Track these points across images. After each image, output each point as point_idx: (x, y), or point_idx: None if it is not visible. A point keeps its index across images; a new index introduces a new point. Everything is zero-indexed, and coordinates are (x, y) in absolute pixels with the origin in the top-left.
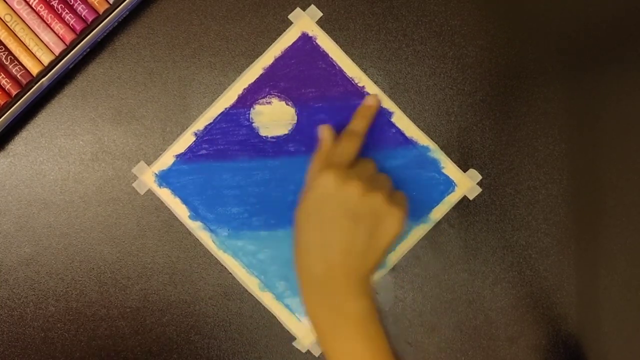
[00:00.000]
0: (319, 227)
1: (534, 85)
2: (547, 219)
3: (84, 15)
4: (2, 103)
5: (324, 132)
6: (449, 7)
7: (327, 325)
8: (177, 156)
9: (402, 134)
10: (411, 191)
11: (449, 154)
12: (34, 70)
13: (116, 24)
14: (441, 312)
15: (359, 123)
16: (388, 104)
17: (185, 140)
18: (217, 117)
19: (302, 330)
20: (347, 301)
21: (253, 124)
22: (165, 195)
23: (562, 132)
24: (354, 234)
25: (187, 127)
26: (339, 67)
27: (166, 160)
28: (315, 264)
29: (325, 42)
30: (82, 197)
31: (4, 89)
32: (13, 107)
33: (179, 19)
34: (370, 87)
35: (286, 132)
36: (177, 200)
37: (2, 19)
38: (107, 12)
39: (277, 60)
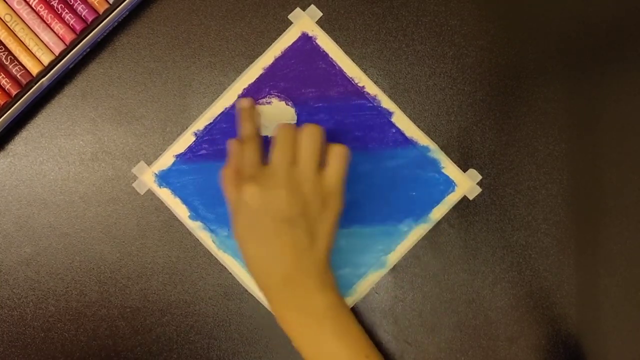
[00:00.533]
0: (260, 242)
1: (534, 85)
2: (547, 219)
3: (84, 15)
4: (2, 103)
5: (232, 146)
6: (449, 7)
7: (298, 327)
8: (177, 156)
9: (402, 134)
10: (411, 191)
11: (449, 154)
12: (34, 70)
13: (116, 24)
14: (441, 312)
15: (247, 126)
16: (388, 104)
17: (185, 140)
18: (217, 117)
19: None
20: (311, 298)
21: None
22: (165, 195)
23: (562, 132)
24: (294, 236)
25: (187, 127)
26: (339, 67)
27: (166, 160)
28: (270, 276)
29: (325, 42)
30: (82, 197)
31: (4, 89)
32: (13, 107)
33: (179, 19)
34: (370, 87)
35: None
36: (177, 200)
37: (2, 19)
38: (107, 12)
39: (277, 60)
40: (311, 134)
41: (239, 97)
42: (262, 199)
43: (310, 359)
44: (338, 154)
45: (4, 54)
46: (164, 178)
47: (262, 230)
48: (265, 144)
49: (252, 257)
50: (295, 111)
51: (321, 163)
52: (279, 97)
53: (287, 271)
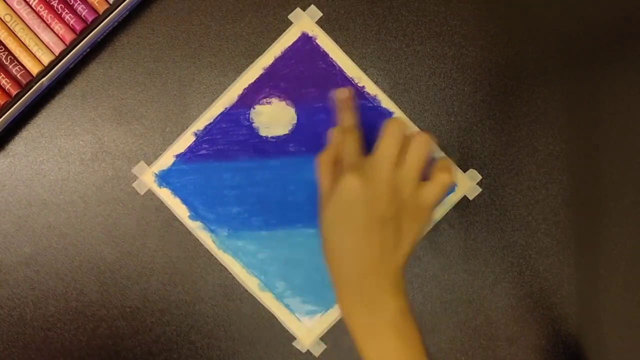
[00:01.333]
0: (349, 232)
1: (534, 85)
2: (547, 219)
3: (84, 15)
4: (2, 103)
5: (333, 132)
6: (449, 7)
7: (363, 325)
8: (177, 156)
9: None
10: None
11: (449, 154)
12: (34, 70)
13: (116, 24)
14: (441, 312)
15: (347, 117)
16: (388, 104)
17: (185, 140)
18: (217, 117)
19: (302, 330)
20: (382, 300)
21: (253, 124)
22: (165, 195)
23: (562, 132)
24: (383, 236)
25: (187, 127)
26: (339, 67)
27: (166, 160)
28: (348, 268)
29: (325, 42)
30: (82, 197)
31: (4, 89)
32: (13, 107)
33: (179, 19)
34: (370, 87)
35: (286, 132)
36: (177, 200)
37: (2, 19)
38: (107, 12)
39: (277, 60)
40: (424, 144)
41: (239, 97)
42: (362, 191)
43: (368, 356)
44: (443, 182)
45: (4, 54)
46: (164, 178)
47: (353, 222)
48: (266, 144)
49: (335, 246)
50: (295, 111)
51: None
52: (279, 97)
53: (367, 268)
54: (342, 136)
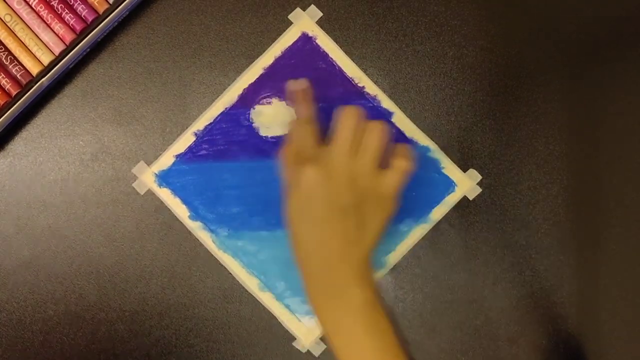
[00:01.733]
0: (312, 224)
1: (534, 85)
2: (547, 219)
3: (84, 15)
4: (2, 103)
5: (292, 125)
6: (449, 7)
7: (331, 319)
8: (177, 156)
9: (402, 134)
10: (411, 191)
11: (449, 154)
12: (34, 70)
13: (116, 24)
14: (441, 312)
15: (302, 109)
16: (388, 104)
17: (185, 140)
18: (217, 117)
19: (302, 330)
20: (348, 291)
21: (253, 124)
22: (165, 195)
23: (562, 132)
24: (346, 225)
25: (187, 127)
26: (339, 67)
27: (166, 160)
28: (314, 259)
29: (325, 42)
30: (82, 198)
31: (4, 89)
32: (13, 107)
33: (179, 19)
34: (370, 87)
35: (286, 132)
36: (177, 200)
37: (2, 19)
38: (107, 12)
39: (277, 60)
40: (380, 132)
41: (239, 97)
42: (321, 182)
43: (339, 350)
44: (401, 168)
45: (4, 54)
46: (164, 178)
47: (315, 213)
48: (266, 144)
49: (301, 239)
50: None
51: (381, 162)
52: (279, 97)
53: (332, 258)
54: (299, 129)
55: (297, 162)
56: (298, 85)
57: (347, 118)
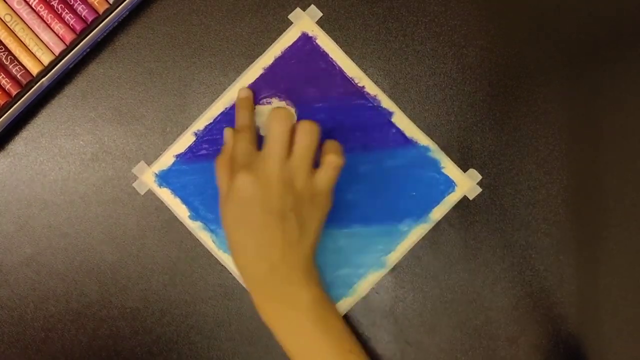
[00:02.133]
0: (249, 231)
1: (534, 85)
2: (547, 219)
3: (84, 15)
4: (2, 103)
5: (227, 134)
6: (449, 7)
7: (281, 320)
8: (177, 156)
9: (402, 134)
10: (411, 191)
11: (449, 154)
12: (34, 70)
13: (116, 24)
14: (441, 312)
15: (242, 116)
16: (388, 104)
17: (186, 140)
18: (217, 117)
19: None
20: (294, 292)
21: (255, 124)
22: (166, 195)
23: (562, 132)
24: (284, 229)
25: (187, 127)
26: (339, 67)
27: (166, 160)
28: (256, 266)
29: (325, 42)
30: (82, 197)
31: (4, 89)
32: (13, 107)
33: (179, 19)
34: (370, 87)
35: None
36: (177, 200)
37: (2, 19)
38: (107, 12)
39: (277, 60)
40: (309, 132)
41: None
42: (254, 189)
43: (293, 353)
44: (332, 163)
45: (4, 54)
46: (164, 178)
47: (251, 220)
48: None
49: (240, 246)
50: (295, 111)
51: (314, 160)
52: (279, 97)
53: (274, 263)
54: (235, 136)
55: (231, 170)
56: (242, 93)
57: (277, 121)
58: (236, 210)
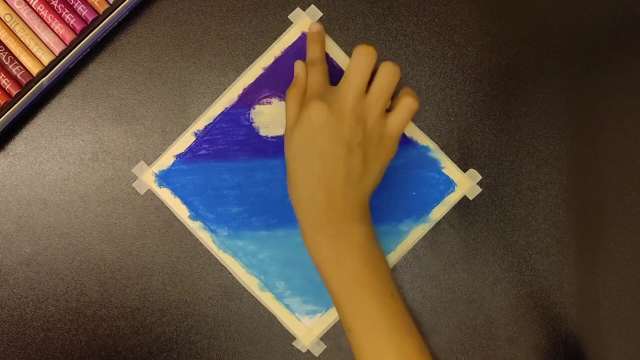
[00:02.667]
0: (316, 158)
1: (534, 85)
2: (547, 219)
3: (84, 15)
4: (2, 103)
5: (298, 66)
6: (449, 7)
7: (331, 254)
8: (177, 156)
9: (402, 134)
10: (411, 191)
11: (449, 154)
12: (34, 70)
13: (116, 24)
14: (441, 312)
15: (314, 50)
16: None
17: (185, 140)
18: (217, 117)
19: (302, 331)
20: (350, 227)
21: (253, 124)
22: (165, 195)
23: (562, 132)
24: (349, 162)
25: (187, 127)
26: (339, 67)
27: (166, 160)
28: (314, 197)
29: (325, 42)
30: (82, 197)
31: (4, 89)
32: (13, 107)
33: (179, 19)
34: None
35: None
36: (177, 200)
37: (2, 19)
38: (107, 12)
39: (277, 60)
40: (390, 73)
41: (239, 97)
42: (327, 117)
43: (337, 288)
44: (408, 105)
45: (4, 54)
46: (164, 178)
47: (318, 149)
48: (266, 144)
49: (301, 175)
50: None
51: (389, 103)
52: (279, 97)
53: (332, 195)
54: (309, 68)
55: (302, 101)
56: (314, 27)
57: (360, 56)
58: (304, 136)
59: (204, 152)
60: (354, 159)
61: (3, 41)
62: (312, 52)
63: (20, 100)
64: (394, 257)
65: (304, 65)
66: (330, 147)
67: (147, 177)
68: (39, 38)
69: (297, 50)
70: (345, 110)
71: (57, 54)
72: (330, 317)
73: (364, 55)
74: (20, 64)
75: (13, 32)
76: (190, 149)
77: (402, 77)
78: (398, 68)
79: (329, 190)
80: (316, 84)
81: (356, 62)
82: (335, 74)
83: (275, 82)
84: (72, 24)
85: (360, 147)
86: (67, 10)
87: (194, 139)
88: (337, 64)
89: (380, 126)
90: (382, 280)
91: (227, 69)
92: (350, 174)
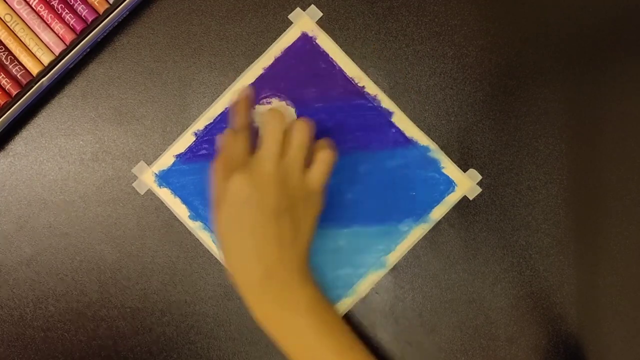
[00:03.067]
0: (246, 233)
1: (534, 85)
2: (547, 219)
3: (84, 15)
4: (2, 103)
5: (220, 139)
6: (449, 7)
7: (279, 322)
8: (177, 156)
9: (402, 134)
10: (411, 191)
11: (449, 154)
12: (34, 70)
13: (116, 24)
14: (441, 312)
15: (239, 117)
16: (388, 104)
17: (185, 140)
18: (217, 117)
19: None
20: (293, 293)
21: (253, 124)
22: (165, 195)
23: (562, 132)
24: (280, 229)
25: (187, 127)
26: (339, 67)
27: (166, 160)
28: (252, 269)
29: (325, 42)
30: (82, 197)
31: (4, 89)
32: (13, 107)
33: (179, 19)
34: (370, 87)
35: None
36: (177, 200)
37: (2, 19)
38: (107, 12)
39: (277, 60)
40: (301, 130)
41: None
42: (250, 189)
43: (293, 355)
44: (325, 159)
45: (4, 54)
46: (164, 178)
47: (247, 222)
48: None
49: (234, 249)
50: (295, 111)
51: (307, 159)
52: (279, 97)
53: (270, 265)
54: (230, 138)
55: (226, 173)
56: (240, 94)
57: (273, 123)
58: (231, 211)
59: (204, 152)
60: (283, 224)
61: (3, 41)
62: (237, 119)
63: (20, 100)
64: (394, 257)
65: (226, 136)
66: (257, 218)
67: (147, 177)
68: (39, 38)
69: (297, 50)
70: (266, 178)
71: (57, 54)
72: None
73: (273, 119)
74: (20, 64)
75: (13, 32)
76: (190, 149)
77: (401, 79)
78: (309, 123)
79: (266, 262)
80: (239, 154)
81: (268, 128)
82: (335, 75)
83: (275, 82)
84: (72, 24)
85: (287, 212)
86: (67, 10)
87: (194, 139)
88: (337, 64)
89: (302, 183)
90: (337, 337)
91: (227, 69)
92: (283, 241)
